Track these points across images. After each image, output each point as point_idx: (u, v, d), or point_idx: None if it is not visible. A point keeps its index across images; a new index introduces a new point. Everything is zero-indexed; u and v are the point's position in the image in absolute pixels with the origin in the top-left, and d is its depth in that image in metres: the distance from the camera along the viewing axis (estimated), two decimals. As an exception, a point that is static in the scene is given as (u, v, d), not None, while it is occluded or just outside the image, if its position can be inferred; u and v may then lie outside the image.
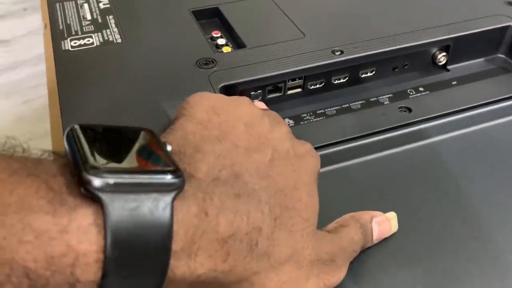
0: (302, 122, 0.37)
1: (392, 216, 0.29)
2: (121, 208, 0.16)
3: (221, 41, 0.42)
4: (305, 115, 0.38)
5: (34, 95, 0.55)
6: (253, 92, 0.37)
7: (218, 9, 0.45)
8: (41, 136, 0.49)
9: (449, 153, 0.35)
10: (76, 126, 0.19)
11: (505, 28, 0.42)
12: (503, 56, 0.44)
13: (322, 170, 0.32)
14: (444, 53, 0.42)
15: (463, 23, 0.42)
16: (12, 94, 0.55)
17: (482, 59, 0.44)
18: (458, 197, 0.31)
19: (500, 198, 0.31)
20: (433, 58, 0.42)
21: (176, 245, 0.18)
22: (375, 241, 0.28)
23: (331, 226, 0.27)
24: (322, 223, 0.27)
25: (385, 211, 0.29)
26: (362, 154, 0.34)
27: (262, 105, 0.35)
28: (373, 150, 0.35)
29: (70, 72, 0.37)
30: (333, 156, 0.34)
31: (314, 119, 0.37)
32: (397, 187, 0.32)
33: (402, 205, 0.30)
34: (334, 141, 0.35)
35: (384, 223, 0.28)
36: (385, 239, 0.29)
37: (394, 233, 0.29)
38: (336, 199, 0.31)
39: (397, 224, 0.29)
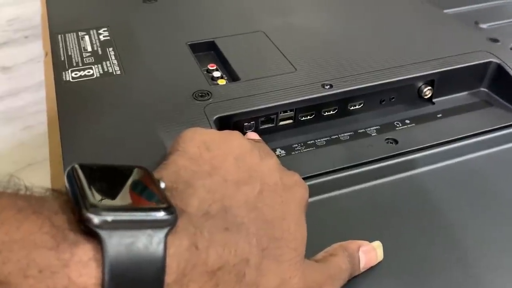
0: (293, 152, 0.38)
1: (377, 245, 0.30)
2: (118, 243, 0.17)
3: (217, 74, 0.43)
4: (296, 145, 0.39)
5: (34, 121, 0.56)
6: (246, 123, 0.39)
7: (214, 42, 0.47)
8: (40, 162, 0.50)
9: (433, 184, 0.36)
10: (76, 166, 0.20)
11: (488, 63, 0.45)
12: (486, 90, 0.46)
13: (311, 199, 0.33)
14: (429, 87, 0.43)
15: (448, 58, 0.44)
16: (13, 120, 0.57)
17: (466, 93, 0.46)
18: (442, 226, 0.33)
19: (482, 227, 0.33)
20: (419, 91, 0.44)
21: (168, 278, 0.19)
22: (362, 270, 0.29)
23: (319, 255, 0.28)
24: (311, 252, 0.28)
25: (372, 240, 0.30)
26: (350, 184, 0.36)
27: (254, 135, 0.37)
28: (361, 180, 0.36)
29: (71, 103, 0.38)
30: (322, 186, 0.35)
31: (305, 150, 0.39)
32: (384, 217, 0.33)
33: (389, 234, 0.32)
34: (323, 171, 0.36)
35: (370, 252, 0.29)
36: (372, 267, 0.30)
37: (380, 261, 0.30)
38: (325, 228, 0.32)
39: (382, 253, 0.30)
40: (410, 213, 0.34)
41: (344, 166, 0.37)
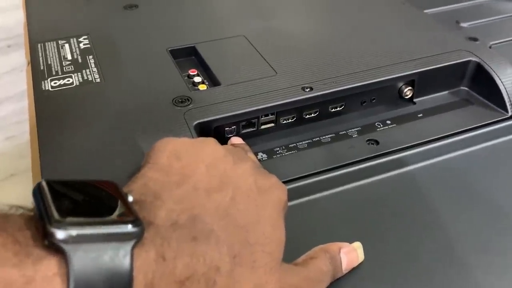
0: (274, 156, 0.38)
1: (358, 246, 0.30)
2: (83, 257, 0.17)
3: (198, 79, 0.43)
4: (278, 149, 0.39)
5: (16, 131, 0.56)
6: (227, 128, 0.39)
7: (195, 48, 0.46)
8: (22, 172, 0.50)
9: (415, 184, 0.36)
10: (43, 183, 0.20)
11: (467, 62, 0.45)
12: (466, 88, 0.46)
13: (293, 202, 0.34)
14: (410, 87, 0.44)
15: (427, 58, 0.44)
16: (-5, 130, 0.56)
17: (446, 92, 0.46)
18: (424, 226, 0.33)
19: (465, 226, 0.33)
20: (400, 92, 0.44)
21: None
22: (344, 271, 0.29)
23: (300, 259, 0.28)
24: (292, 255, 0.28)
25: (354, 242, 0.30)
26: (332, 186, 0.36)
27: (238, 140, 0.37)
28: (343, 182, 0.36)
29: (50, 112, 0.38)
30: (304, 189, 0.35)
31: (286, 153, 0.39)
32: (366, 218, 0.33)
33: (372, 235, 0.32)
34: (305, 174, 0.36)
35: (351, 253, 0.29)
36: (355, 270, 0.30)
37: (363, 262, 0.30)
38: (307, 231, 0.32)
39: (363, 254, 0.30)
40: (392, 214, 0.34)
41: (326, 168, 0.37)
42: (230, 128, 0.39)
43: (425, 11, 0.56)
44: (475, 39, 0.48)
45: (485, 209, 0.34)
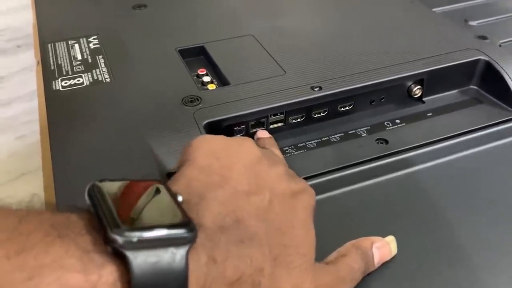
0: (284, 156, 0.38)
1: (391, 239, 0.30)
2: (143, 263, 0.18)
3: (207, 79, 0.43)
4: (287, 148, 0.39)
5: (27, 130, 0.56)
6: (236, 127, 0.39)
7: (204, 47, 0.47)
8: (33, 171, 0.51)
9: (425, 183, 0.36)
10: (97, 183, 0.20)
11: (476, 61, 0.45)
12: (475, 87, 0.46)
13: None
14: (419, 86, 0.43)
15: (437, 57, 0.44)
16: (5, 130, 0.57)
17: (455, 91, 0.46)
18: (434, 225, 0.33)
19: (474, 225, 0.33)
20: (409, 91, 0.44)
21: None
22: (376, 266, 0.29)
23: (332, 256, 0.28)
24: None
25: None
26: (341, 186, 0.36)
27: (264, 133, 0.38)
28: (352, 181, 0.36)
29: (61, 112, 0.38)
30: (314, 188, 0.35)
31: (296, 152, 0.39)
32: (376, 217, 0.33)
33: (382, 234, 0.31)
34: (314, 173, 0.36)
35: (384, 247, 0.30)
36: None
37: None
38: (318, 230, 0.32)
39: (396, 247, 0.30)
40: (402, 213, 0.34)
41: (335, 167, 0.37)
42: (239, 128, 0.39)
43: (434, 9, 0.56)
44: (484, 38, 0.48)
45: (495, 209, 0.34)
